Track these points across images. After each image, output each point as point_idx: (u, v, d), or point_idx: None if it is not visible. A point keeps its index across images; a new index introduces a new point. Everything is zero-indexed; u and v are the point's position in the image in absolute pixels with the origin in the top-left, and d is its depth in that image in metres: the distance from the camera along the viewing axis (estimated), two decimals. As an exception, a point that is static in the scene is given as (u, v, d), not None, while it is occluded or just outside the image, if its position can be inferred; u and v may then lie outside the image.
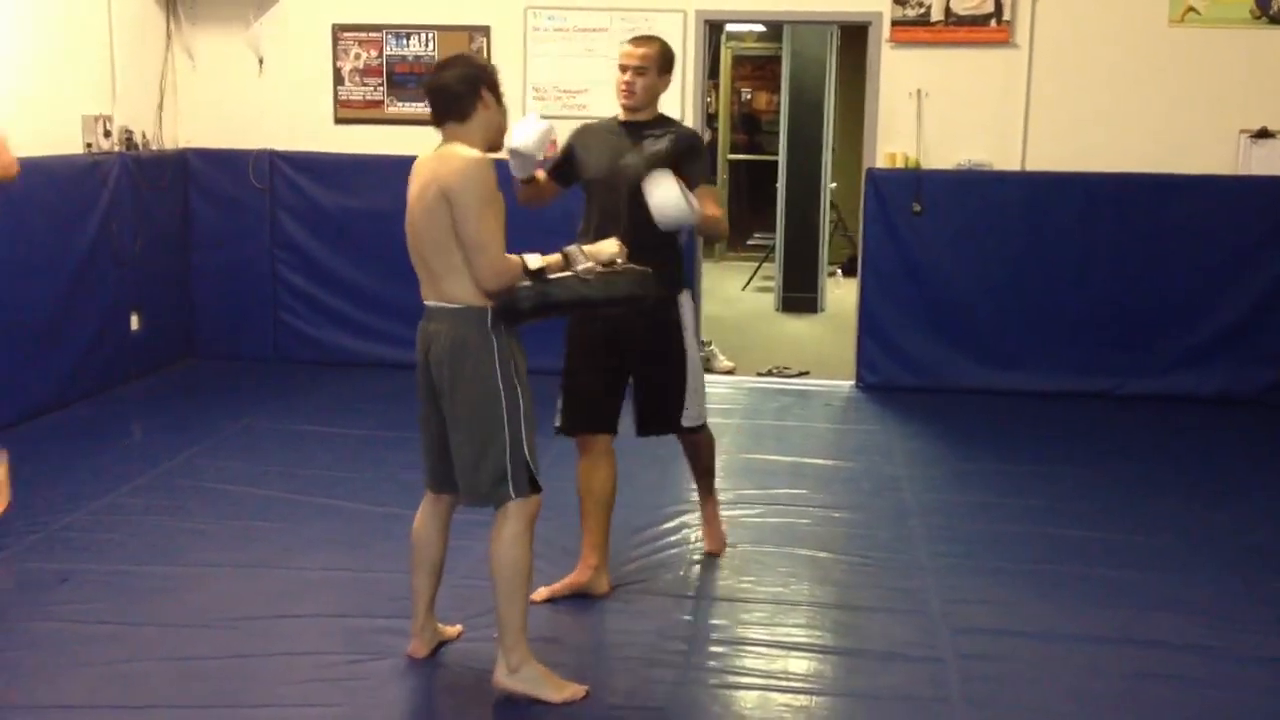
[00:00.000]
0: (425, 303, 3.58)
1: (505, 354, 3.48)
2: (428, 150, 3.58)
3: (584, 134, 4.46)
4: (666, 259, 4.20)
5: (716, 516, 4.80)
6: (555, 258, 3.56)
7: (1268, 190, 7.07)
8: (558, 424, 4.32)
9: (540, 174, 4.33)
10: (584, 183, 4.38)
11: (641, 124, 4.35)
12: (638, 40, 4.43)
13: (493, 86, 3.56)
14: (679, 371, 4.35)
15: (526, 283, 3.46)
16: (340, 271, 7.71)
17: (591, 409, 4.30)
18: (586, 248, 3.67)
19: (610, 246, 3.71)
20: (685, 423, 4.41)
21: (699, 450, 4.63)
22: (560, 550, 4.55)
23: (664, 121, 4.42)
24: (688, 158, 4.23)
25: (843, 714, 3.59)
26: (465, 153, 3.44)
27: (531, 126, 4.08)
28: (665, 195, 4.00)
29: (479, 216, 3.38)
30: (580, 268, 3.56)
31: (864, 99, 7.42)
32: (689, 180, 4.14)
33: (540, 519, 3.58)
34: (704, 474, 4.72)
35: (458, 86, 3.50)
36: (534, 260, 3.49)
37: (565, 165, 4.41)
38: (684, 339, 4.36)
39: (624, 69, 4.34)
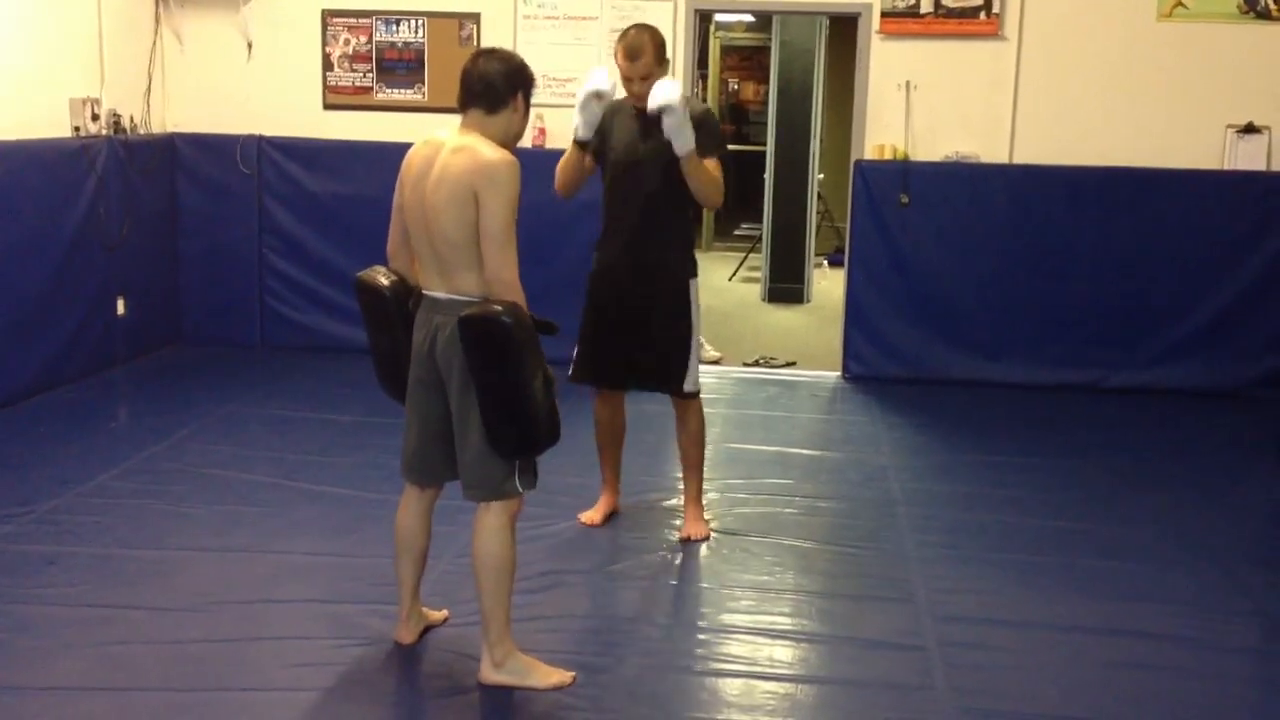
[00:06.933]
0: (427, 292, 3.51)
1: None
2: (425, 134, 3.54)
3: (611, 114, 4.59)
4: (683, 240, 4.68)
5: (699, 501, 4.87)
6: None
7: (1253, 185, 7.12)
8: (570, 374, 4.68)
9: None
10: (606, 163, 4.64)
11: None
12: (631, 50, 4.45)
13: (528, 93, 3.56)
14: (684, 345, 4.66)
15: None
16: (327, 257, 7.69)
17: (602, 366, 4.71)
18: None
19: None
20: (687, 387, 4.70)
21: (689, 417, 4.79)
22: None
23: None
24: (700, 132, 4.45)
25: (827, 701, 3.61)
26: (496, 152, 3.38)
27: (603, 73, 4.43)
28: (662, 88, 4.31)
29: (505, 216, 3.33)
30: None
31: (853, 90, 7.43)
32: (701, 151, 4.45)
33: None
34: (694, 450, 4.82)
35: (498, 80, 3.47)
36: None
37: (599, 142, 4.61)
38: (690, 319, 4.66)
39: (629, 80, 4.50)
